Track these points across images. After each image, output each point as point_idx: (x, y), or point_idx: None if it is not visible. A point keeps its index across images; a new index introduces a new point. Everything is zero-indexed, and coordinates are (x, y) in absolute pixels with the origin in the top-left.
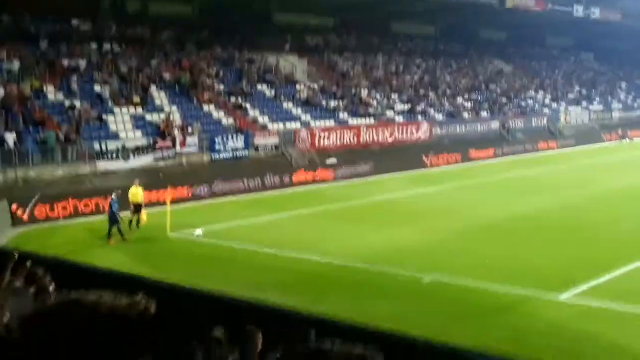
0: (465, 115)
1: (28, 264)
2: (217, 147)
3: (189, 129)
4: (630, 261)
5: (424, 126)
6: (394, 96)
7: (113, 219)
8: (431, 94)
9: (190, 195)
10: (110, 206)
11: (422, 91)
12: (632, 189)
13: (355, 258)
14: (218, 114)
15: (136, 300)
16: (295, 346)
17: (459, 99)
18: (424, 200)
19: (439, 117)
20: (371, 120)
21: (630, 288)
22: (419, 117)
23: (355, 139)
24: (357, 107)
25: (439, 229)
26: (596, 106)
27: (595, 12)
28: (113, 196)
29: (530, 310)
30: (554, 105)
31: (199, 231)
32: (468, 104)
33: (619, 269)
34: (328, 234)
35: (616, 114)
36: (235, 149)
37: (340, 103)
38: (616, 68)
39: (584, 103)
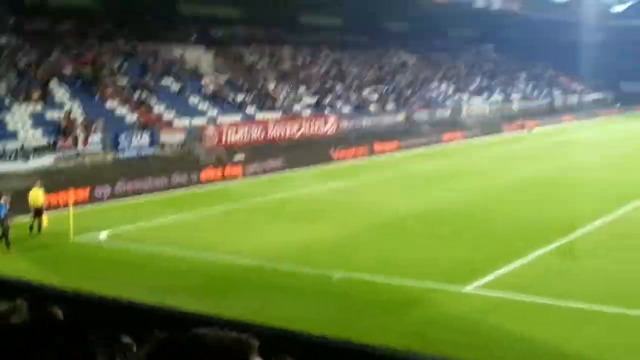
0: (372, 107)
1: None
2: (121, 145)
3: (92, 127)
4: (530, 251)
5: (331, 120)
6: (302, 89)
7: (2, 225)
8: (338, 87)
9: (93, 196)
10: None
11: (329, 83)
12: (533, 178)
13: (263, 257)
14: (122, 110)
15: (16, 305)
16: (172, 334)
17: (366, 91)
18: (331, 196)
19: (346, 109)
20: (279, 114)
21: (529, 278)
22: (327, 110)
23: (263, 134)
24: (265, 101)
25: (347, 225)
26: (497, 97)
27: (495, 3)
28: (1, 200)
29: (433, 304)
30: (457, 96)
31: (103, 234)
32: (374, 96)
33: (519, 259)
34: (237, 233)
35: (516, 104)
36: (140, 147)
37: (248, 97)
38: (515, 58)
39: (486, 94)
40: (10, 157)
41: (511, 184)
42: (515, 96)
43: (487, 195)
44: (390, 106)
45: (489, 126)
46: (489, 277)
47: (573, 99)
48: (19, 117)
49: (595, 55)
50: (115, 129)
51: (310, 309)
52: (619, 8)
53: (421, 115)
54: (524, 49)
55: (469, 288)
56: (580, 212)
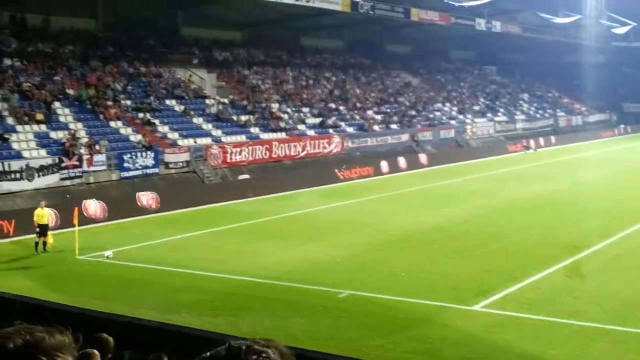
0: (376, 127)
1: None
2: (125, 164)
3: (96, 147)
4: (537, 270)
5: (336, 140)
6: (305, 110)
7: None
8: (341, 107)
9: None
10: None
11: (332, 104)
12: (538, 198)
13: (270, 275)
14: (126, 131)
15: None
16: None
17: (369, 112)
18: (337, 215)
19: (350, 130)
20: (283, 135)
21: (538, 297)
22: (330, 130)
23: (268, 153)
24: (269, 122)
25: (353, 243)
26: (500, 117)
27: (497, 26)
28: None
29: (442, 322)
30: (460, 117)
31: (109, 253)
32: (378, 117)
33: (527, 278)
34: (242, 252)
35: (519, 125)
36: (144, 167)
37: (251, 118)
38: (518, 80)
39: (489, 115)
40: (15, 176)
41: (518, 203)
42: (518, 117)
43: (494, 215)
44: (394, 126)
45: (493, 147)
46: (498, 295)
47: (577, 120)
48: (24, 137)
49: (598, 76)
50: (119, 149)
51: (318, 326)
52: (619, 30)
53: (425, 135)
54: (527, 70)
55: (477, 306)
56: (588, 231)
